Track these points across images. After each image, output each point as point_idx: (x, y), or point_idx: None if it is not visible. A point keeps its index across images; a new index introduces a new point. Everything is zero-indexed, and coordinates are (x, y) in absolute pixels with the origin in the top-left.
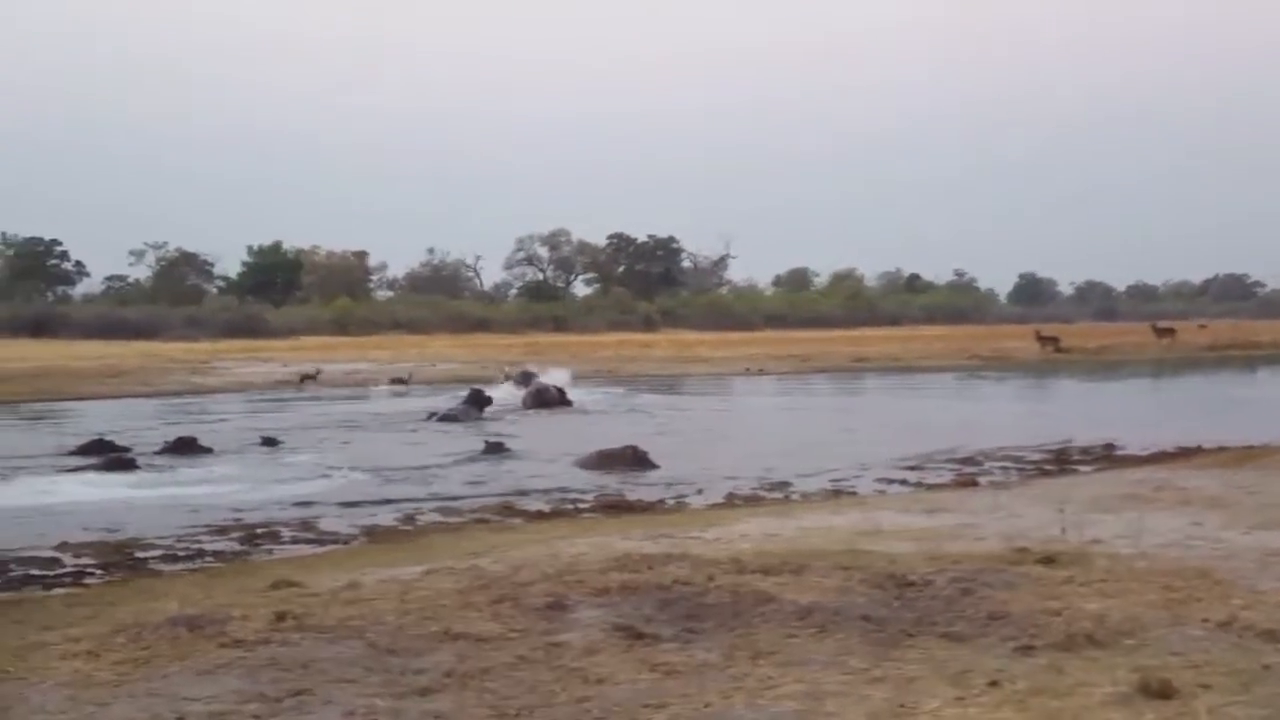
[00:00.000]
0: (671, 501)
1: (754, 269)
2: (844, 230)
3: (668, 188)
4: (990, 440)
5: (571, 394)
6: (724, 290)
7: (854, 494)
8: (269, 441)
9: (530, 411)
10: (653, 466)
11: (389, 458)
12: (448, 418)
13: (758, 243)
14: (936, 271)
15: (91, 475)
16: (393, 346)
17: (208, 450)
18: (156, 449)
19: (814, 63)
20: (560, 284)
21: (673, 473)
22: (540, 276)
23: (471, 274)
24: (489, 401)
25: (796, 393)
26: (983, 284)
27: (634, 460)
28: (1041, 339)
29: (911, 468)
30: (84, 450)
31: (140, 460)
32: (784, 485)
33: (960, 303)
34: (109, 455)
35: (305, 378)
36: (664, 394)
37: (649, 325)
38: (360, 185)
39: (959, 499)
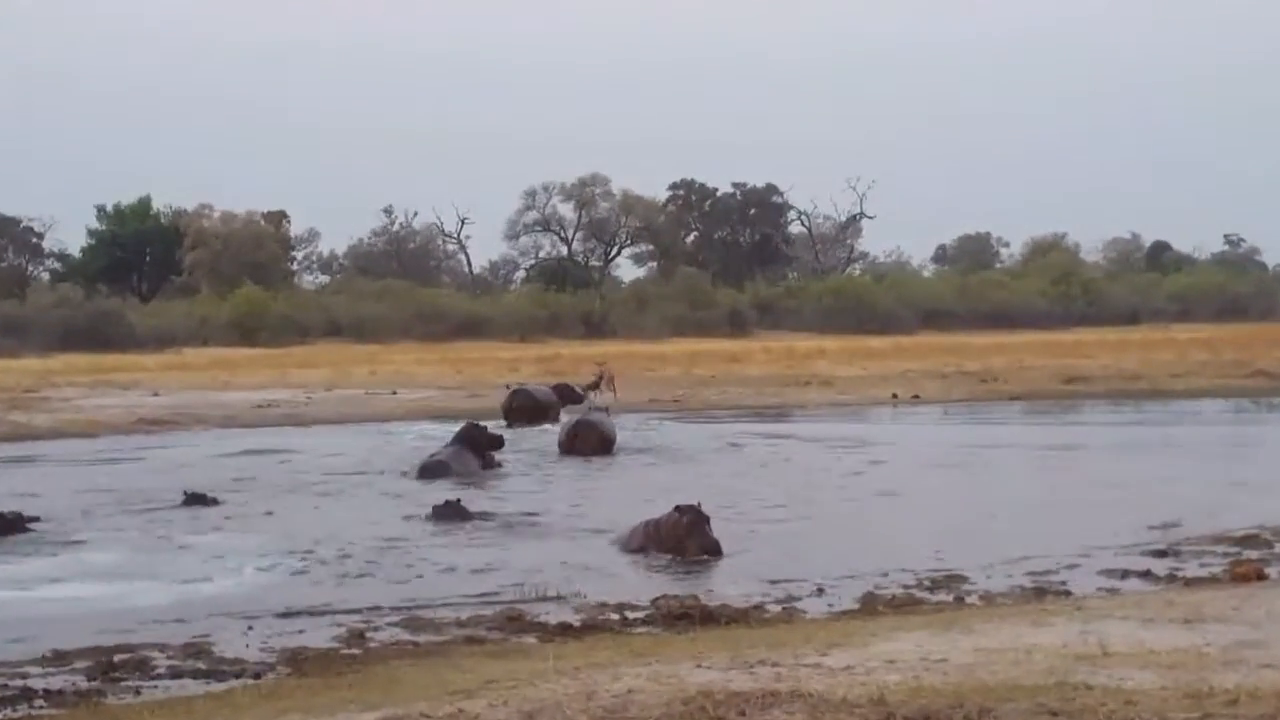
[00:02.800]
0: (775, 607)
1: (903, 235)
2: (1044, 175)
3: (764, 110)
4: None
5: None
6: (856, 270)
7: (1066, 593)
8: (196, 499)
9: (563, 458)
10: (742, 549)
11: (337, 531)
12: (431, 470)
13: (908, 194)
14: (1196, 239)
15: None
16: (330, 362)
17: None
18: None
19: None
20: (595, 260)
21: (774, 558)
22: (563, 249)
23: (453, 246)
24: (497, 443)
25: (973, 434)
26: (1269, 258)
27: (707, 537)
28: None
29: (1158, 552)
30: None
31: None
32: (955, 580)
33: (1236, 287)
34: None
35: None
36: (762, 436)
37: (737, 326)
38: (274, 115)
39: (1235, 601)
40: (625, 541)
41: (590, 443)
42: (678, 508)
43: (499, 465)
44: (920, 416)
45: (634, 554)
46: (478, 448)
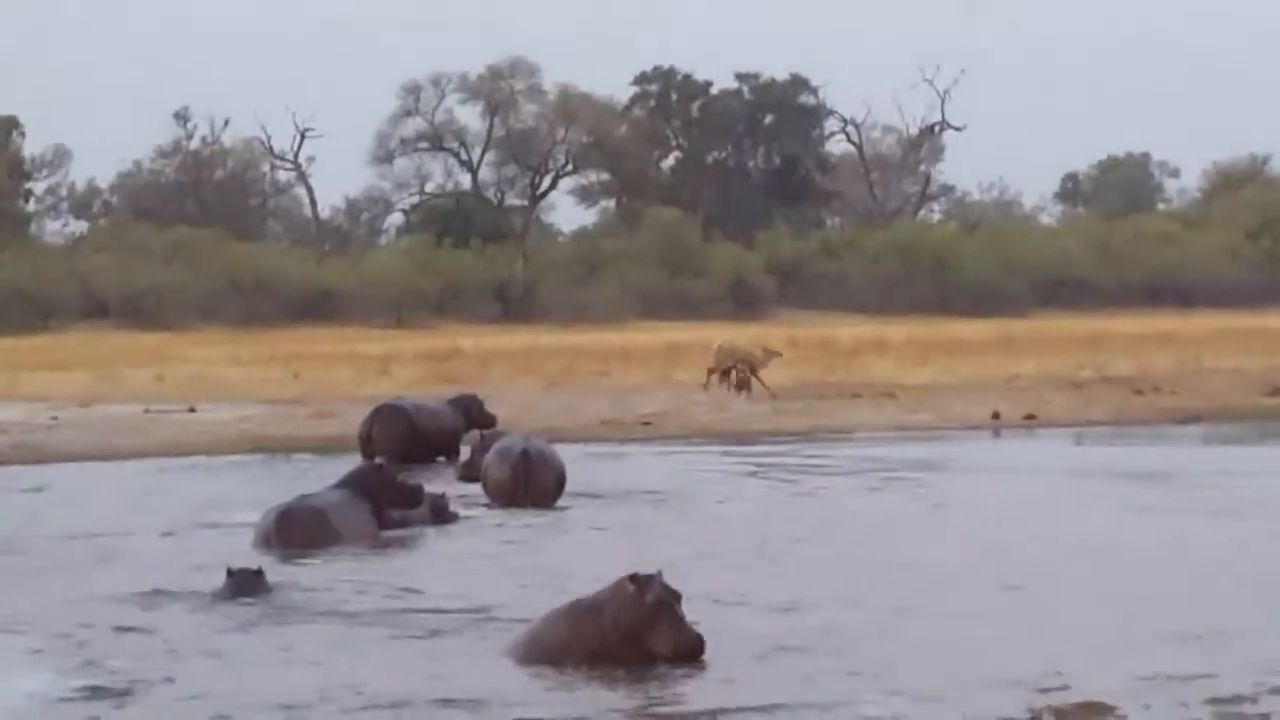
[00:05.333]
0: None
1: (1009, 158)
2: (1230, 66)
3: None
4: None
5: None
6: (934, 214)
7: None
8: None
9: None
10: (760, 657)
11: (131, 632)
12: (293, 527)
13: (1015, 93)
14: None
15: None
16: (89, 361)
17: None
18: None
19: None
20: (515, 198)
21: (810, 671)
22: (464, 180)
23: (288, 173)
24: (410, 497)
25: (1115, 476)
26: None
27: (683, 627)
28: None
29: None
30: None
31: None
32: (1094, 711)
33: None
34: None
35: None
36: (788, 470)
37: (745, 304)
38: None
39: None
40: (533, 642)
41: (543, 486)
42: (632, 578)
43: (451, 518)
44: (1029, 451)
45: (550, 664)
46: (377, 498)
